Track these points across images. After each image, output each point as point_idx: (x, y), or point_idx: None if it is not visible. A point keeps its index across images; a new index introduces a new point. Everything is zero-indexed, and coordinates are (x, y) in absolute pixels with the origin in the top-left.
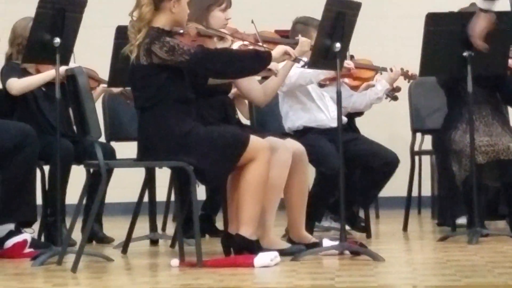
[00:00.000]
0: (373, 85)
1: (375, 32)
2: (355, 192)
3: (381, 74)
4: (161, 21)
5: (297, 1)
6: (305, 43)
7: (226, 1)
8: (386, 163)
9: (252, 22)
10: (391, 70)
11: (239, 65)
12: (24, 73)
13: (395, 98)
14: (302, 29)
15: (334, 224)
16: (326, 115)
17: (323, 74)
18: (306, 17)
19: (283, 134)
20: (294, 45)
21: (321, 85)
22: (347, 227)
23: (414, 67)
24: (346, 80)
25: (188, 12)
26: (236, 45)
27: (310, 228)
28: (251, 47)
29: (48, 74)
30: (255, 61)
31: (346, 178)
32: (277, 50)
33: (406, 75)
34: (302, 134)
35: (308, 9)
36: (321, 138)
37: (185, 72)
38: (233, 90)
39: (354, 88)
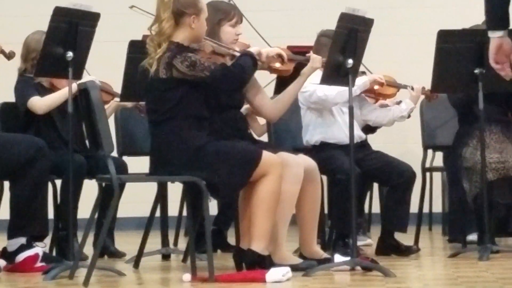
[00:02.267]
0: (386, 104)
1: (387, 49)
2: (390, 219)
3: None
4: (180, 36)
5: (309, 17)
6: (316, 59)
7: (237, 17)
8: (402, 174)
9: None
10: (412, 88)
11: (245, 74)
12: (39, 87)
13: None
14: (327, 42)
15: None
16: (345, 132)
17: (359, 88)
18: (331, 30)
19: (296, 150)
20: (305, 62)
21: None
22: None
23: (426, 84)
24: (368, 95)
25: (206, 28)
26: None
27: (344, 246)
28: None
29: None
30: (252, 64)
31: (363, 192)
32: (268, 49)
33: (427, 95)
34: (319, 149)
35: (320, 24)
36: (336, 151)
37: (203, 87)
38: (246, 106)
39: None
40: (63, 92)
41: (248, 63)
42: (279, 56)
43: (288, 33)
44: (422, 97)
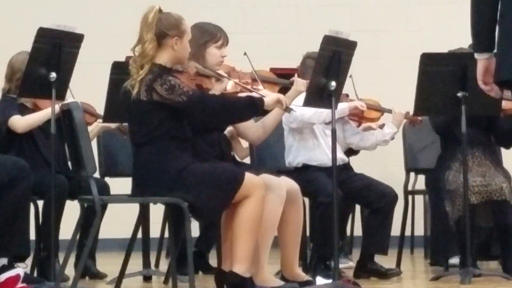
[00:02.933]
0: (371, 127)
1: (371, 72)
2: (371, 241)
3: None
4: (163, 58)
5: (292, 39)
6: (300, 83)
7: (223, 39)
8: (384, 196)
9: (245, 54)
10: (395, 112)
11: (232, 112)
12: (22, 108)
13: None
14: (312, 64)
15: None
16: (327, 154)
17: (338, 114)
18: (317, 52)
19: (278, 172)
20: (290, 85)
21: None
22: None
23: (409, 108)
24: (351, 118)
25: (189, 50)
26: (229, 85)
27: (325, 268)
28: (243, 93)
29: (48, 111)
30: (248, 109)
31: (345, 214)
32: (271, 98)
33: (411, 120)
34: (301, 171)
35: (303, 47)
36: (319, 173)
37: (181, 112)
38: (229, 128)
39: (358, 127)
40: (44, 112)
41: (240, 104)
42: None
43: (271, 55)
44: (405, 120)
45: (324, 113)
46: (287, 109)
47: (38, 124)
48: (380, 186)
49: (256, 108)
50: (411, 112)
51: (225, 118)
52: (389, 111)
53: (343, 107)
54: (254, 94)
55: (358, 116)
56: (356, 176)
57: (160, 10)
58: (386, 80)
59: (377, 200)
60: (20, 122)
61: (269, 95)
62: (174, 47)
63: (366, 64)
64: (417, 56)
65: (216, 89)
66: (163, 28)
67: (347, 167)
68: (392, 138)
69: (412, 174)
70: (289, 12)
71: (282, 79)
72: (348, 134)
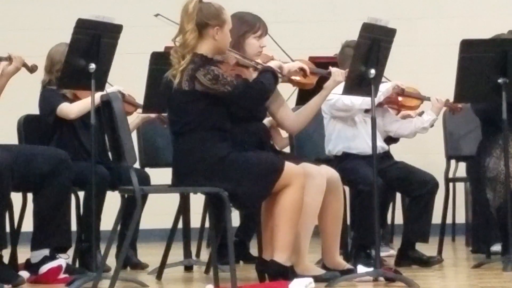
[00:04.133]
0: (410, 115)
1: (410, 60)
2: (412, 229)
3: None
4: (204, 48)
5: (329, 28)
6: (338, 73)
7: (261, 29)
8: (425, 184)
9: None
10: (436, 99)
11: (265, 91)
12: (63, 99)
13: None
14: (351, 53)
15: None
16: (367, 142)
17: (383, 94)
18: (355, 41)
19: (318, 160)
20: (328, 75)
21: (366, 110)
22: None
23: (449, 95)
24: (391, 106)
25: (230, 39)
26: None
27: (366, 256)
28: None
29: (97, 96)
30: (273, 80)
31: (386, 202)
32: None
33: (451, 108)
34: (341, 160)
35: (340, 35)
36: (359, 161)
37: (225, 101)
38: (268, 118)
39: (396, 114)
40: (95, 97)
41: (270, 79)
42: (301, 70)
43: (308, 45)
44: (445, 108)
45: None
46: (306, 76)
47: (88, 110)
48: (420, 174)
49: (276, 77)
50: (451, 100)
51: (262, 98)
52: (428, 99)
53: (386, 87)
54: (265, 66)
55: (397, 104)
56: (396, 164)
57: (200, 0)
58: (424, 68)
59: (417, 188)
60: (70, 107)
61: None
62: (215, 37)
63: (404, 52)
64: (454, 42)
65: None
66: (203, 18)
67: (387, 155)
68: (432, 126)
69: (452, 162)
70: (325, 0)
71: (320, 69)
72: (387, 122)
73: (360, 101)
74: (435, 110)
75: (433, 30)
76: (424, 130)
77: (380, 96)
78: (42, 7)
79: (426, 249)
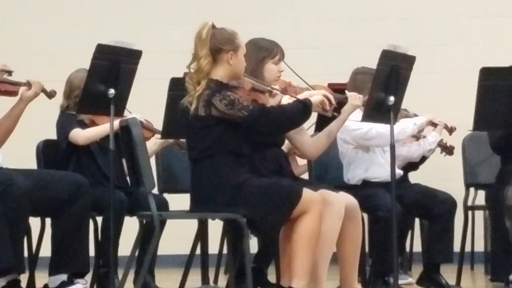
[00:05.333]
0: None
1: (427, 87)
2: (434, 250)
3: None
4: (219, 73)
5: (348, 53)
6: (356, 97)
7: (279, 54)
8: (443, 203)
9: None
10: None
11: (291, 119)
12: (80, 124)
13: (450, 153)
14: (362, 80)
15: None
16: (386, 170)
17: (421, 126)
18: (366, 68)
19: (337, 187)
20: (345, 100)
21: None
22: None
23: (466, 121)
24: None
25: (244, 64)
26: (284, 99)
27: (384, 284)
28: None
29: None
30: (303, 113)
31: (404, 229)
32: (316, 98)
33: (446, 128)
34: (360, 187)
35: (361, 61)
36: (377, 188)
37: (241, 127)
38: (286, 144)
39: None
40: (105, 127)
41: (295, 109)
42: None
43: (326, 71)
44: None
45: (409, 129)
46: (326, 111)
47: (99, 137)
48: (437, 193)
49: (307, 110)
50: (470, 127)
51: (284, 125)
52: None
53: (421, 121)
54: (299, 97)
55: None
56: (413, 186)
57: (213, 26)
58: (443, 95)
59: (436, 207)
60: (80, 134)
61: (314, 95)
62: (230, 62)
63: (422, 78)
64: (474, 70)
65: (270, 104)
66: (217, 43)
67: (403, 179)
68: (450, 153)
69: (471, 190)
70: (343, 26)
71: (338, 94)
72: (398, 145)
73: (396, 131)
74: (438, 130)
75: (453, 57)
76: (430, 152)
77: (415, 129)
78: (61, 32)
79: (445, 277)
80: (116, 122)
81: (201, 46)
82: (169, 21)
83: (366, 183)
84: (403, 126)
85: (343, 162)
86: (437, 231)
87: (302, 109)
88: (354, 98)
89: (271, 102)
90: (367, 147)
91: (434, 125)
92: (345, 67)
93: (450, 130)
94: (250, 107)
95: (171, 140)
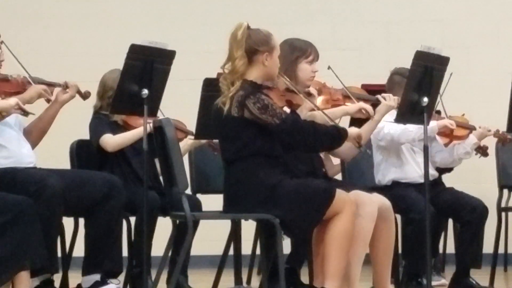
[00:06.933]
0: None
1: (461, 88)
2: (464, 255)
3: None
4: (254, 74)
5: (384, 55)
6: (391, 98)
7: (313, 54)
8: (474, 209)
9: (329, 68)
10: (479, 127)
11: (321, 141)
12: (113, 125)
13: (485, 155)
14: (399, 80)
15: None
16: (417, 171)
17: (405, 138)
18: (404, 68)
19: (370, 189)
20: (378, 102)
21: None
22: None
23: (500, 125)
24: (439, 136)
25: (279, 65)
26: (319, 100)
27: (417, 285)
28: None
29: (139, 130)
30: (334, 140)
31: (438, 231)
32: (354, 131)
33: (501, 138)
34: (392, 188)
35: (396, 63)
36: (410, 189)
37: (272, 133)
38: None
39: (446, 144)
40: (135, 132)
41: (328, 134)
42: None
43: (361, 71)
44: (491, 136)
45: (413, 132)
46: (360, 148)
47: (128, 143)
48: (469, 199)
49: (340, 139)
50: (504, 129)
51: (312, 146)
52: (475, 128)
53: (432, 125)
54: (338, 125)
55: (447, 135)
56: (446, 190)
57: (248, 27)
58: (478, 97)
59: (467, 213)
60: (110, 141)
61: (351, 127)
62: (265, 63)
63: (457, 80)
64: (508, 72)
65: (306, 105)
66: (253, 44)
67: (437, 182)
68: (485, 154)
69: (505, 191)
70: (379, 28)
71: (371, 95)
72: (433, 151)
73: (399, 133)
74: (478, 135)
75: (488, 59)
76: (468, 156)
77: (422, 134)
78: (95, 33)
79: (479, 278)
80: (137, 133)
81: (236, 47)
82: (202, 21)
83: (396, 184)
84: (408, 129)
85: (374, 162)
86: (467, 237)
87: (336, 136)
88: (390, 99)
89: (307, 102)
90: (394, 149)
91: (450, 131)
92: (381, 68)
93: (503, 141)
94: (283, 116)
95: (203, 141)
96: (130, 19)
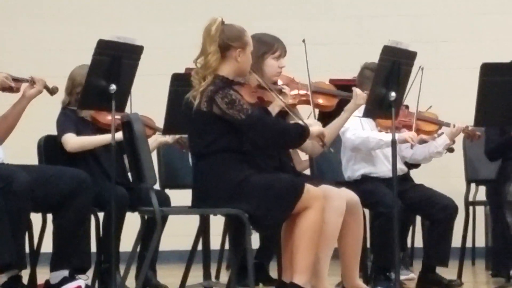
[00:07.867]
0: (425, 141)
1: (429, 82)
2: (432, 253)
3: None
4: (226, 69)
5: (353, 50)
6: (360, 96)
7: (280, 50)
8: (444, 208)
9: (303, 41)
10: (454, 126)
11: (284, 139)
12: (81, 121)
13: (451, 150)
14: (370, 75)
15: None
16: (386, 166)
17: (386, 145)
18: (375, 63)
19: (338, 183)
20: (348, 98)
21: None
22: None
23: (468, 118)
24: (406, 131)
25: (251, 62)
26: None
27: (386, 279)
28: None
29: (105, 137)
30: (296, 138)
31: (406, 225)
32: (316, 129)
33: (469, 134)
34: (361, 183)
35: (367, 57)
36: (379, 184)
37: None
38: None
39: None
40: (100, 138)
41: (293, 130)
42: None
43: (330, 66)
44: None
45: (372, 143)
46: (324, 146)
47: (90, 147)
48: (440, 198)
49: (302, 137)
50: (471, 123)
51: (276, 143)
52: (448, 125)
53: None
54: (301, 123)
55: (413, 128)
56: (416, 187)
57: (222, 22)
58: (445, 91)
59: (437, 212)
60: (71, 141)
61: (315, 125)
62: (238, 59)
63: (426, 75)
64: (476, 66)
65: (277, 103)
66: (226, 40)
67: (406, 177)
68: (452, 150)
69: (473, 185)
70: (349, 23)
71: (341, 91)
72: (403, 147)
73: (358, 142)
74: (450, 135)
75: (456, 53)
76: (438, 155)
77: (382, 146)
78: (63, 28)
79: (446, 272)
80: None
81: (209, 42)
82: (171, 17)
83: (366, 178)
84: (370, 138)
85: (342, 160)
86: (435, 235)
87: (300, 132)
88: (359, 97)
89: (278, 101)
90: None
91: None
92: (350, 63)
93: (472, 137)
94: (249, 112)
95: (171, 141)
96: (98, 14)
